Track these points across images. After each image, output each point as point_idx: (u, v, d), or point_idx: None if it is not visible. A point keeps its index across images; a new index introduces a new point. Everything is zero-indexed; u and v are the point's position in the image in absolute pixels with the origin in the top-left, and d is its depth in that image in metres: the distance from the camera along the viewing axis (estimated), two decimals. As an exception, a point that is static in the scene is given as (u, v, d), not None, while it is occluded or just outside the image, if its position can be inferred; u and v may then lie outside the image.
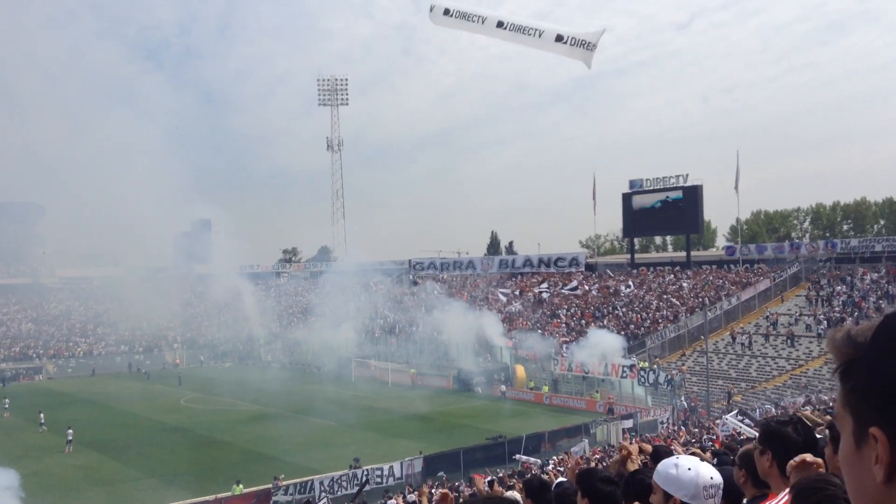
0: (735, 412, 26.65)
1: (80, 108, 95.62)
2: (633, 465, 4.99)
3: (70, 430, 37.85)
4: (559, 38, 12.17)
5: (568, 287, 67.25)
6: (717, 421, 27.51)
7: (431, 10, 13.35)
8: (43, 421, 38.82)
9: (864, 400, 1.20)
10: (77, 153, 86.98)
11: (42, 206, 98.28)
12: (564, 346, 54.29)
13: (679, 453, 5.13)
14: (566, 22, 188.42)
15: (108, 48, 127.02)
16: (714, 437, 22.07)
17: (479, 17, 13.14)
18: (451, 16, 13.19)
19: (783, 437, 3.51)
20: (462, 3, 13.34)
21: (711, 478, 3.25)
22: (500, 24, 12.76)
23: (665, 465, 3.37)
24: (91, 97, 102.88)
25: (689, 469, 3.27)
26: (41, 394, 58.29)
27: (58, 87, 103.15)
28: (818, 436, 4.17)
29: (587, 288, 66.61)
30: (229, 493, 27.75)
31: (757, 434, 3.85)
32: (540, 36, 12.42)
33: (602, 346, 49.53)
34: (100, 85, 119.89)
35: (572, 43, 12.03)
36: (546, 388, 50.91)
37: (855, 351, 1.25)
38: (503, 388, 52.79)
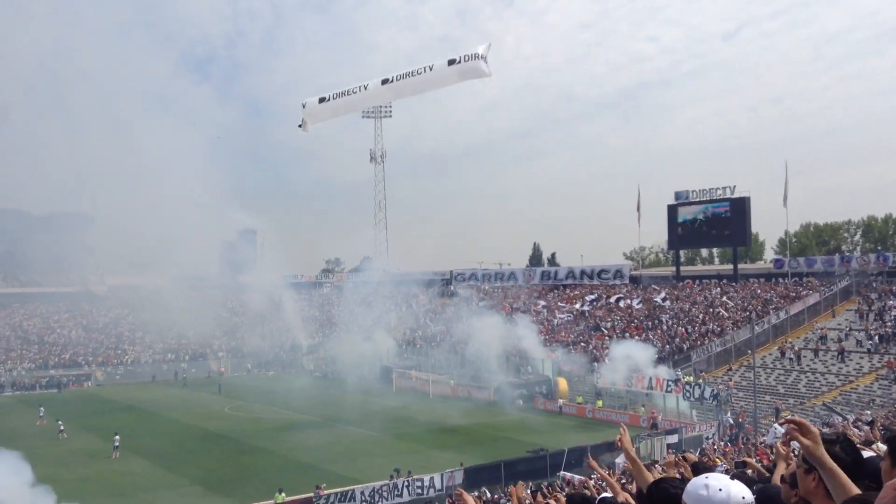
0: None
1: (129, 120, 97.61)
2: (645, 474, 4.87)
3: (117, 437, 38.54)
4: (452, 62, 12.34)
5: (615, 297, 66.47)
6: (768, 433, 26.93)
7: (304, 107, 13.36)
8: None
9: None
10: (126, 164, 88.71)
11: (92, 217, 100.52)
12: (607, 359, 53.74)
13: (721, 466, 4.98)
14: (612, 32, 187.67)
15: (157, 62, 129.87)
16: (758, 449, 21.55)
17: (361, 86, 13.18)
18: (328, 100, 13.25)
19: (830, 456, 3.37)
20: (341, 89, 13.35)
21: (743, 497, 3.14)
22: (385, 81, 12.88)
23: (695, 485, 3.24)
24: (140, 110, 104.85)
25: (721, 490, 3.16)
26: (90, 400, 59.52)
27: (108, 99, 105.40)
28: (869, 454, 4.01)
29: (629, 301, 65.88)
30: (272, 501, 27.94)
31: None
32: (432, 69, 12.52)
33: (631, 358, 49.14)
34: (149, 97, 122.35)
35: (465, 59, 12.26)
36: (600, 403, 49.72)
37: None
38: (558, 401, 52.27)
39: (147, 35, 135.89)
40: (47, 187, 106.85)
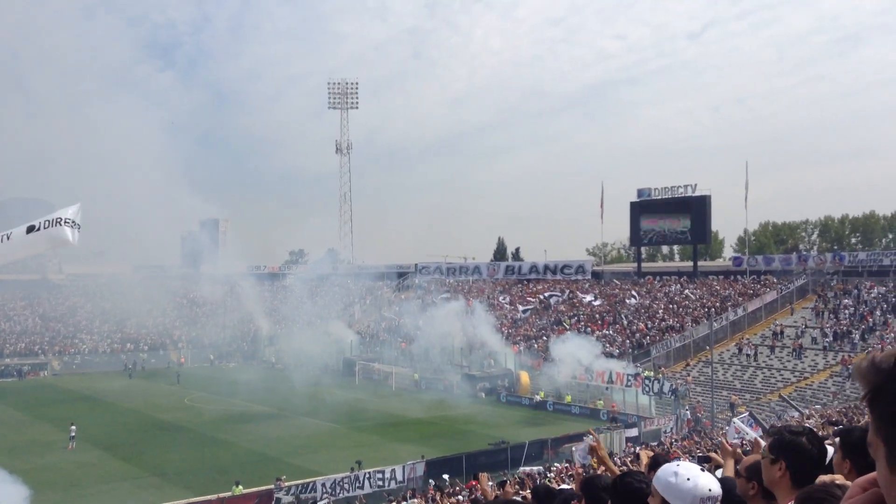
0: (745, 415, 26.51)
1: (89, 104, 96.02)
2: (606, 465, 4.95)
3: (73, 427, 37.93)
4: (31, 229, 11.18)
5: (587, 299, 66.78)
6: (727, 427, 27.40)
7: None
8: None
9: (893, 425, 1.18)
10: (84, 150, 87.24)
11: (51, 203, 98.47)
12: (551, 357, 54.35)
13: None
14: (581, 29, 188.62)
15: (120, 46, 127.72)
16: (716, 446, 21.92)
17: None
18: None
19: (798, 447, 3.45)
20: None
21: (710, 490, 3.18)
22: None
23: (665, 471, 3.30)
24: (101, 94, 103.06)
25: (689, 479, 3.19)
26: (47, 390, 58.47)
27: (69, 83, 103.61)
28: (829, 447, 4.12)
29: (590, 297, 66.48)
30: (229, 493, 27.74)
31: (759, 437, 3.80)
32: (10, 237, 11.30)
33: (575, 353, 50.02)
34: (111, 82, 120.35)
35: (46, 226, 11.05)
36: (569, 398, 49.85)
37: (880, 377, 1.23)
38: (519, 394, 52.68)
39: (110, 18, 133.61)
40: (4, 171, 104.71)
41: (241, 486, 28.12)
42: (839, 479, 3.11)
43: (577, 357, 50.09)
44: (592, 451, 5.97)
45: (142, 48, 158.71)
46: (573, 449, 32.31)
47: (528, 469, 29.30)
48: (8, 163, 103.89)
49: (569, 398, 49.63)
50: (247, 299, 79.12)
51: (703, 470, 3.41)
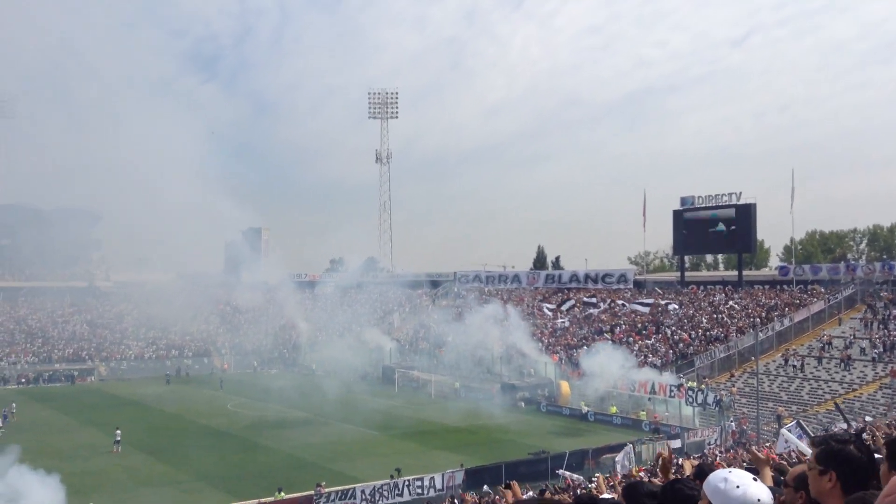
0: (793, 424, 25.94)
1: (133, 116, 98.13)
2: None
3: (118, 431, 38.61)
4: None
5: (636, 302, 66.15)
6: (774, 438, 26.84)
7: None
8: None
9: None
10: (130, 161, 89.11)
11: (98, 213, 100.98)
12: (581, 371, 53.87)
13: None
14: (620, 37, 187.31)
15: (163, 59, 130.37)
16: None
17: None
18: None
19: (847, 455, 3.38)
20: None
21: (759, 500, 3.12)
22: None
23: (716, 476, 3.28)
24: (145, 107, 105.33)
25: (738, 487, 3.16)
26: (94, 395, 59.69)
27: (116, 96, 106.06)
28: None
29: (633, 306, 65.79)
30: (272, 499, 27.96)
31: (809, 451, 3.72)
32: None
33: (606, 364, 49.55)
34: (155, 94, 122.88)
35: None
36: (614, 409, 49.06)
37: None
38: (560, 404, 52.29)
39: (153, 31, 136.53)
40: (52, 182, 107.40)
41: (283, 493, 28.33)
42: None
43: (608, 369, 49.60)
44: (659, 459, 5.93)
45: (185, 60, 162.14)
46: (615, 459, 32.03)
47: (567, 474, 29.04)
48: (52, 174, 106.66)
49: (614, 409, 48.95)
50: (288, 307, 79.98)
51: (754, 479, 3.34)
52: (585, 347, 58.35)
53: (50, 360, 71.27)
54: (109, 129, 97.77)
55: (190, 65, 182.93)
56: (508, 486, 7.02)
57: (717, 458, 26.37)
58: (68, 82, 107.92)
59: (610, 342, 57.64)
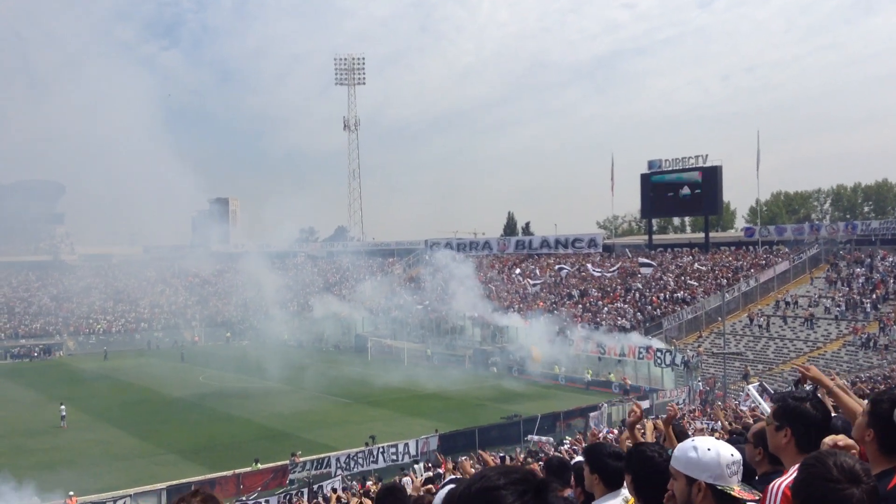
0: (757, 384, 26.57)
1: (98, 86, 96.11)
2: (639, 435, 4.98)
3: (63, 406, 38.31)
4: None
5: (599, 268, 66.78)
6: (741, 394, 27.44)
7: None
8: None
9: None
10: (95, 132, 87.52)
11: (62, 185, 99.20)
12: (580, 326, 54.44)
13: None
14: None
15: (124, 25, 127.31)
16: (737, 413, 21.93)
17: None
18: None
19: (802, 413, 3.53)
20: None
21: (732, 454, 3.15)
22: None
23: (683, 449, 3.22)
24: (107, 73, 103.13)
25: (709, 449, 3.12)
26: (62, 370, 59.09)
27: (77, 66, 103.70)
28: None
29: (601, 270, 66.36)
30: (248, 469, 28.06)
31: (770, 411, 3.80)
32: None
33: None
34: (116, 62, 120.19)
35: None
36: (590, 373, 49.83)
37: None
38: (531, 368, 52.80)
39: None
40: (13, 153, 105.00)
41: (259, 464, 28.43)
42: (841, 440, 3.13)
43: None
44: (631, 413, 6.06)
45: (146, 27, 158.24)
46: (590, 416, 32.56)
47: (538, 438, 29.46)
48: (14, 145, 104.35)
49: (590, 372, 49.46)
50: (257, 277, 79.46)
51: (717, 440, 3.39)
52: (555, 312, 58.91)
53: (16, 336, 70.27)
54: (72, 99, 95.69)
55: (151, 31, 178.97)
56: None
57: (685, 419, 26.87)
58: (27, 51, 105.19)
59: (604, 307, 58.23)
